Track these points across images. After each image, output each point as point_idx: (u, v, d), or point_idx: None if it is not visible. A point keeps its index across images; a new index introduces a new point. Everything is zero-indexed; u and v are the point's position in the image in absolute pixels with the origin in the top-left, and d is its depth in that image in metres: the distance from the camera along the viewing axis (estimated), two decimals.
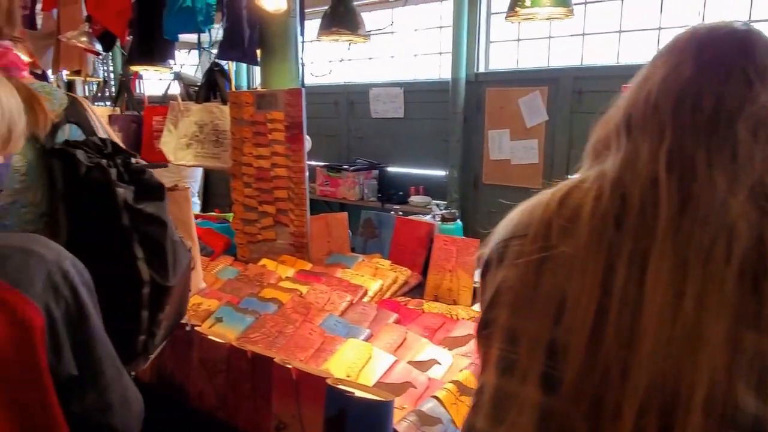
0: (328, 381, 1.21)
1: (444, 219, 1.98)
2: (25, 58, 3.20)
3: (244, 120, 2.23)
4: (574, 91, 4.64)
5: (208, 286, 2.01)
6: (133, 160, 1.12)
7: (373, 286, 1.87)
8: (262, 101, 2.17)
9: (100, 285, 0.87)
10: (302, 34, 2.17)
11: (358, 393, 1.15)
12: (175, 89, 3.85)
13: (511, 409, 0.58)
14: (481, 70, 5.21)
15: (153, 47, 2.59)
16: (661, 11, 4.25)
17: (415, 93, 5.64)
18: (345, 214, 2.27)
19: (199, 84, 7.99)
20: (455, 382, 1.27)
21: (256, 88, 2.82)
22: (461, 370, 1.34)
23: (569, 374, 0.55)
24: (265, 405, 1.36)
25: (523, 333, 0.60)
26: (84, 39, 2.66)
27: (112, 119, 3.03)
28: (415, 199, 5.45)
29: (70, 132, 1.10)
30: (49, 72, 3.34)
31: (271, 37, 2.20)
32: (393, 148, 5.84)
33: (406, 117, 5.73)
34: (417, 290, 2.00)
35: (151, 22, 2.57)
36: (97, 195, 1.00)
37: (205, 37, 3.26)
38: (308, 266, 2.10)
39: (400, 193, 5.53)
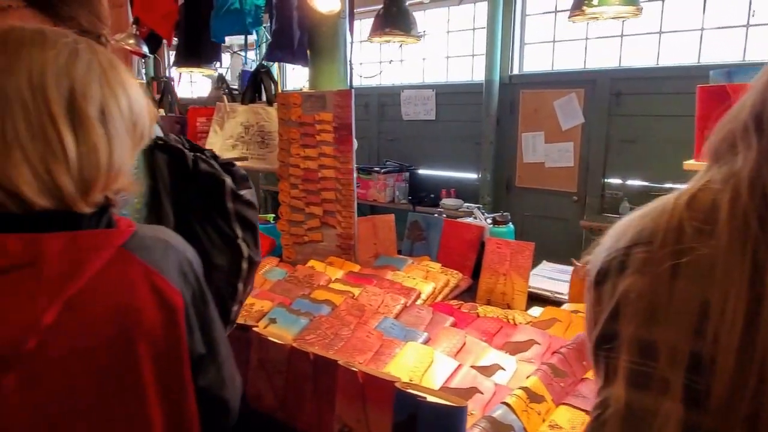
0: (397, 385, 1.19)
1: (495, 222, 1.95)
2: None
3: (292, 121, 2.23)
4: (611, 94, 4.56)
5: (257, 286, 2.01)
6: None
7: (426, 288, 1.85)
8: (311, 102, 2.17)
9: (207, 263, 0.98)
10: (351, 35, 2.16)
11: (431, 398, 1.13)
12: (204, 90, 3.88)
13: (650, 424, 0.55)
14: (515, 72, 5.16)
15: (200, 49, 2.61)
16: (704, 11, 4.15)
17: (447, 95, 5.61)
18: (392, 216, 2.26)
19: (229, 87, 7.99)
20: (524, 389, 1.24)
21: (302, 88, 2.84)
22: (528, 377, 1.31)
23: (718, 388, 0.52)
24: (328, 408, 1.35)
25: (660, 344, 0.57)
26: (131, 41, 2.69)
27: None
28: (447, 201, 5.41)
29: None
30: None
31: (320, 38, 2.20)
32: (424, 150, 5.81)
33: (438, 119, 5.70)
34: (468, 293, 1.98)
35: (197, 24, 2.59)
36: (205, 185, 1.13)
37: (234, 39, 3.29)
38: (357, 268, 2.09)
39: (431, 195, 5.50)
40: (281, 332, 1.65)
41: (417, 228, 2.24)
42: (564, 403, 1.26)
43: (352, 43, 2.17)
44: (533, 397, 1.24)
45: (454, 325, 1.65)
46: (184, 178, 1.14)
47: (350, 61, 2.17)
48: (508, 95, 5.12)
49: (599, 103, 4.63)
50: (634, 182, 4.57)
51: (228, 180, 1.16)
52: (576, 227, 4.72)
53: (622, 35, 4.59)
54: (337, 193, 2.19)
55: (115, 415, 0.79)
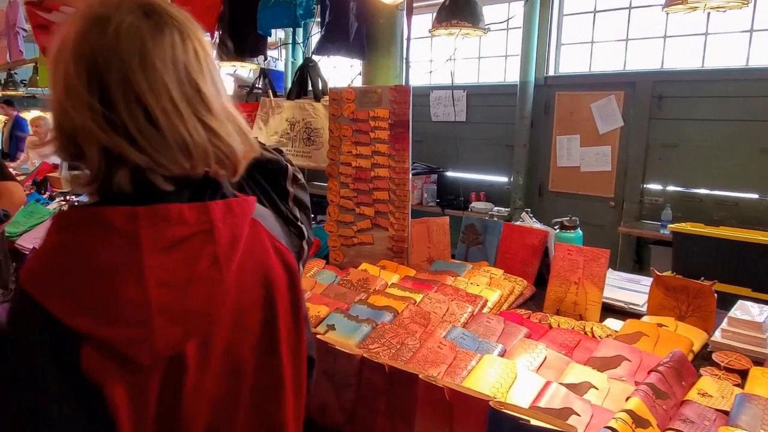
0: (492, 404, 1.08)
1: (564, 227, 1.84)
2: None
3: (344, 117, 2.13)
4: (653, 96, 4.42)
5: (308, 289, 1.91)
6: None
7: (492, 296, 1.74)
8: (365, 98, 2.07)
9: None
10: (409, 28, 2.06)
11: (535, 421, 1.02)
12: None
13: None
14: (551, 73, 5.04)
15: (244, 42, 2.52)
16: (753, 12, 4.00)
17: (479, 96, 5.50)
18: (446, 219, 2.15)
19: (251, 85, 7.95)
20: (628, 412, 1.13)
21: (349, 85, 2.74)
22: (628, 398, 1.19)
23: None
24: (405, 426, 1.25)
25: None
26: None
27: None
28: (477, 205, 5.30)
29: None
30: None
31: (377, 31, 2.10)
32: (453, 152, 5.70)
33: (469, 121, 5.59)
34: (532, 302, 1.86)
35: (242, 17, 2.51)
36: (269, 169, 1.23)
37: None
38: (412, 272, 1.99)
39: (461, 198, 5.38)
40: (342, 340, 1.55)
41: (473, 231, 2.13)
42: (670, 429, 1.15)
43: (409, 37, 2.07)
44: (638, 421, 1.12)
45: (528, 336, 1.53)
46: (256, 166, 1.15)
47: (407, 56, 2.07)
48: (543, 97, 5.00)
49: (640, 106, 4.49)
50: (676, 188, 4.42)
51: (291, 168, 1.28)
52: (613, 234, 4.58)
53: (665, 36, 4.45)
54: (390, 194, 2.09)
55: (265, 372, 0.84)
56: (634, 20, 4.58)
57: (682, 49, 4.38)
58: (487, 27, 2.05)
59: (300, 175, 1.29)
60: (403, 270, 2.01)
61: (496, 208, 5.28)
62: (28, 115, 7.12)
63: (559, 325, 1.62)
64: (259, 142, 1.20)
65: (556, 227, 1.90)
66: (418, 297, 1.74)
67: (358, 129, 2.11)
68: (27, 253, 2.87)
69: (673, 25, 4.37)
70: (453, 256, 2.17)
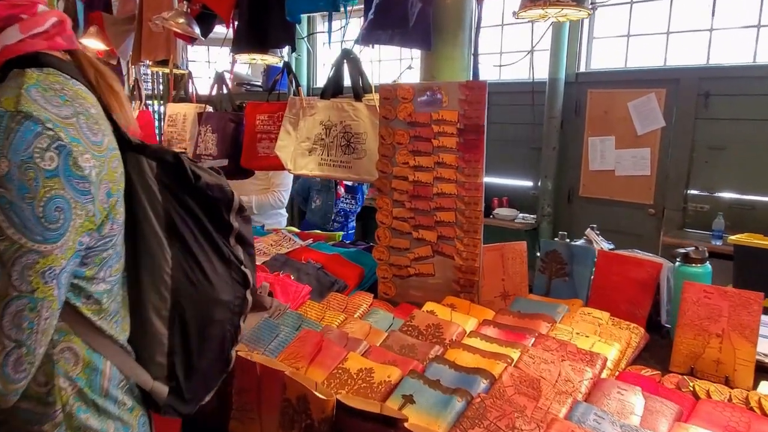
0: None
1: (688, 259, 1.46)
2: (100, 46, 2.64)
3: (399, 120, 1.73)
4: (699, 94, 4.06)
5: (363, 336, 1.52)
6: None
7: (610, 353, 1.35)
8: (428, 96, 1.67)
9: (209, 299, 1.08)
10: (481, 11, 1.67)
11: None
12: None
13: None
14: (582, 69, 4.66)
15: (267, 31, 2.12)
16: None
17: (501, 95, 5.11)
18: (523, 244, 1.76)
19: (250, 84, 7.45)
20: None
21: (395, 81, 2.31)
22: None
23: None
24: None
25: None
26: (181, 20, 2.20)
27: (203, 118, 2.57)
28: (501, 211, 4.92)
29: None
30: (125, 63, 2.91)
31: (441, 15, 1.71)
32: None
33: (490, 121, 5.19)
34: (648, 354, 1.48)
35: (264, 1, 2.10)
36: (207, 199, 1.04)
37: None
38: (490, 314, 1.60)
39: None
40: (426, 420, 1.16)
41: (557, 260, 1.74)
42: None
43: (479, 22, 1.68)
44: None
45: (680, 416, 1.15)
46: (181, 191, 1.02)
47: (476, 44, 1.67)
48: (573, 95, 4.63)
49: (683, 104, 4.13)
50: (724, 195, 4.07)
51: (236, 193, 1.08)
52: (653, 244, 4.21)
53: (711, 29, 4.09)
54: (458, 215, 1.69)
55: None
56: (677, 11, 4.21)
57: (731, 42, 4.02)
58: (593, 5, 1.66)
59: (245, 204, 1.12)
60: (478, 311, 1.62)
61: (521, 215, 4.91)
62: None
63: (708, 395, 1.24)
64: (191, 159, 1.05)
65: (677, 260, 1.52)
66: (514, 353, 1.35)
67: (417, 135, 1.71)
68: None
69: (720, 16, 4.01)
70: (531, 290, 1.78)
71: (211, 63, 7.78)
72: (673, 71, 4.19)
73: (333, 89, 2.05)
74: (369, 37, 1.78)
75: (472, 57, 1.72)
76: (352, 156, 1.98)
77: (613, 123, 4.45)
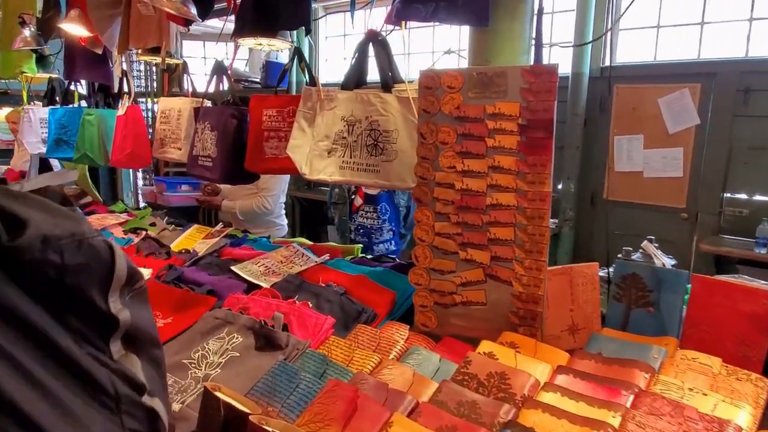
0: None
1: None
2: (83, 32, 2.19)
3: (444, 115, 1.41)
4: (738, 90, 3.75)
5: (406, 387, 1.19)
6: None
7: (739, 417, 1.03)
8: (482, 85, 1.35)
9: None
10: None
11: None
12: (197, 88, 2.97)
13: None
14: (608, 63, 4.35)
15: (277, 9, 1.78)
16: None
17: None
18: (595, 266, 1.44)
19: (248, 80, 7.11)
20: None
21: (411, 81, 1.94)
22: None
23: None
24: None
25: None
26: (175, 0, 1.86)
27: (201, 114, 2.24)
28: None
29: None
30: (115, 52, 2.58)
31: None
32: None
33: None
34: None
35: None
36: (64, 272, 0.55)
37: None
38: (564, 358, 1.27)
39: None
40: None
41: (638, 285, 1.42)
42: None
43: None
44: None
45: None
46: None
47: (540, 21, 1.35)
48: (598, 91, 4.31)
49: (720, 100, 3.82)
50: (765, 197, 3.76)
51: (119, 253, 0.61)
52: (685, 250, 3.91)
53: (751, 19, 3.78)
54: (518, 231, 1.37)
55: None
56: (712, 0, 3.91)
57: None
58: None
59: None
60: (546, 352, 1.30)
61: None
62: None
63: None
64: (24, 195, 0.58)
65: None
66: (613, 418, 1.03)
67: (468, 132, 1.39)
68: None
69: (761, 5, 3.70)
70: (604, 322, 1.46)
71: (207, 59, 7.44)
72: (710, 64, 3.88)
73: (356, 78, 1.72)
74: (405, 11, 1.45)
75: (533, 38, 1.40)
76: (381, 158, 1.65)
77: (641, 120, 4.14)
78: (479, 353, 1.28)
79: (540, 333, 1.39)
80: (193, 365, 1.39)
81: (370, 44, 1.69)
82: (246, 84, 7.05)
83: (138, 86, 7.84)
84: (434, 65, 1.71)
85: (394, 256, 2.06)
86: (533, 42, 1.38)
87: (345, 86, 1.71)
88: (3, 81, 4.00)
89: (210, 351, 1.43)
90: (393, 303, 1.62)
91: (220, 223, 2.46)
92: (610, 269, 1.67)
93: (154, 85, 7.69)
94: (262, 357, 1.36)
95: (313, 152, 1.72)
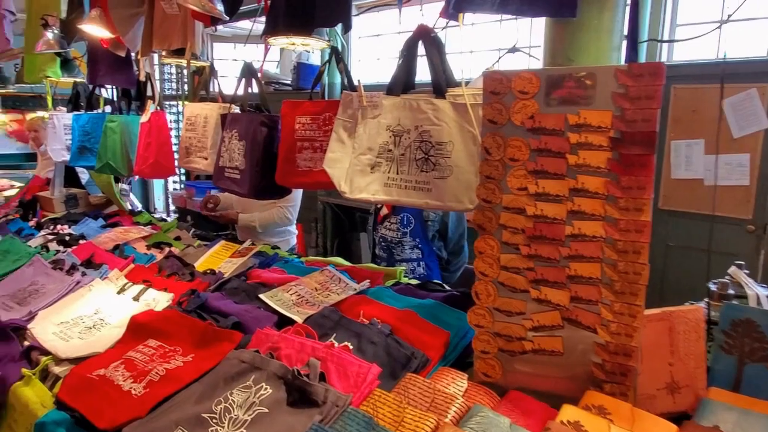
0: None
1: None
2: (104, 34, 1.96)
3: (514, 126, 1.17)
4: None
5: None
6: None
7: None
8: (564, 89, 1.10)
9: None
10: None
11: None
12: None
13: None
14: (664, 60, 4.02)
15: (313, 4, 1.57)
16: None
17: None
18: (700, 311, 1.18)
19: (279, 82, 6.89)
20: None
21: (466, 83, 1.72)
22: None
23: None
24: None
25: None
26: None
27: (228, 121, 2.04)
28: None
29: None
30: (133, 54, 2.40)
31: None
32: None
33: None
34: None
35: None
36: None
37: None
38: (668, 428, 1.02)
39: None
40: None
41: (753, 334, 1.15)
42: None
43: None
44: None
45: None
46: None
47: (635, 12, 1.10)
48: None
49: None
50: None
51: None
52: (751, 266, 3.55)
53: None
54: (608, 268, 1.12)
55: None
56: None
57: None
58: None
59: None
60: (648, 423, 1.04)
61: None
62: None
63: None
64: None
65: None
66: None
67: (544, 147, 1.14)
68: None
69: None
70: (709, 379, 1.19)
71: (238, 62, 7.31)
72: None
73: (403, 82, 1.49)
74: (466, 3, 1.21)
75: (626, 32, 1.14)
76: (433, 174, 1.42)
77: (702, 124, 3.80)
78: (562, 423, 1.03)
79: (633, 392, 1.14)
80: (214, 421, 1.18)
81: (420, 42, 1.46)
82: (276, 87, 6.90)
83: (169, 89, 7.79)
84: (494, 66, 1.47)
85: (439, 282, 1.81)
86: (627, 36, 1.12)
87: (391, 91, 1.48)
88: (28, 85, 3.91)
89: (234, 404, 1.22)
90: (447, 345, 1.38)
91: (249, 240, 2.26)
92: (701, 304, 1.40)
93: (185, 88, 7.62)
94: (296, 415, 1.15)
95: (354, 167, 1.49)
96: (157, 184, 9.13)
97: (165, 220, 3.07)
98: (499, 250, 1.22)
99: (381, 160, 1.48)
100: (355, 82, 1.50)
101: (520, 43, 1.44)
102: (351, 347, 1.33)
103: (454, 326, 1.41)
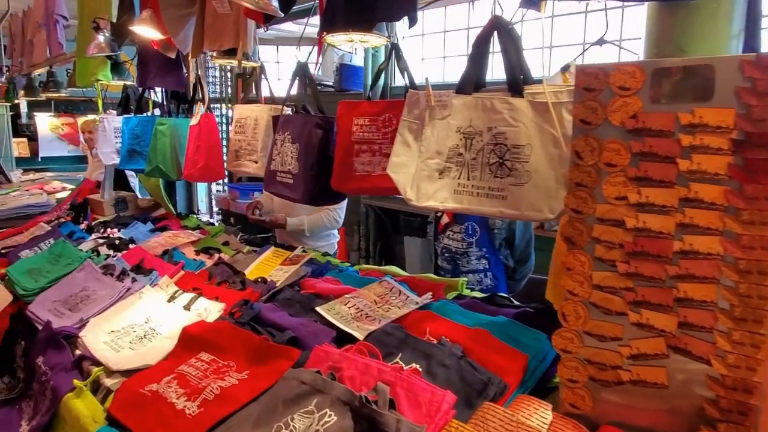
0: None
1: None
2: (155, 35, 1.84)
3: (613, 126, 1.03)
4: None
5: None
6: None
7: None
8: (674, 83, 0.96)
9: None
10: None
11: None
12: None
13: None
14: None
15: (371, 1, 1.46)
16: None
17: None
18: None
19: (322, 83, 6.85)
20: None
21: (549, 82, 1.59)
22: None
23: None
24: None
25: None
26: None
27: (281, 123, 1.96)
28: None
29: None
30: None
31: None
32: None
33: None
34: None
35: None
36: None
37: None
38: None
39: None
40: None
41: None
42: None
43: None
44: None
45: None
46: None
47: None
48: None
49: None
50: None
51: None
52: None
53: None
54: (726, 291, 0.97)
55: None
56: None
57: None
58: None
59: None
60: None
61: None
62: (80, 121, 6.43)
63: None
64: None
65: None
66: None
67: (649, 151, 1.00)
68: (40, 326, 1.93)
69: None
70: None
71: (281, 64, 7.32)
72: None
73: (475, 80, 1.37)
74: None
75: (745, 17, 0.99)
76: (508, 180, 1.29)
77: None
78: None
79: None
80: None
81: (495, 34, 1.33)
82: (319, 88, 6.87)
83: (213, 92, 7.86)
84: (575, 61, 1.33)
85: (505, 295, 1.68)
86: (749, 22, 0.97)
87: (461, 89, 1.36)
88: (80, 89, 3.96)
89: (296, 430, 1.12)
90: (525, 369, 1.25)
91: (300, 248, 2.17)
92: None
93: (229, 91, 7.67)
94: None
95: (421, 172, 1.38)
96: (201, 186, 9.25)
97: (212, 224, 3.03)
98: (592, 266, 1.08)
99: (450, 164, 1.36)
100: (422, 80, 1.38)
101: (607, 36, 1.29)
102: (420, 369, 1.21)
103: (532, 348, 1.28)
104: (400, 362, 1.27)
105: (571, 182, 1.09)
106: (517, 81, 1.30)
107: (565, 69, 1.42)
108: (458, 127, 1.35)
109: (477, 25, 5.23)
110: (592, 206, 1.07)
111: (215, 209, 9.08)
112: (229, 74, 7.58)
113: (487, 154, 1.32)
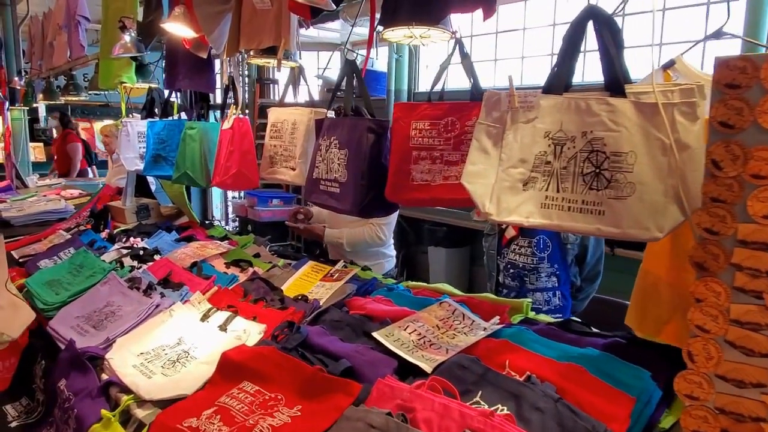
0: None
1: None
2: (188, 33, 1.61)
3: (763, 131, 0.85)
4: None
5: None
6: None
7: None
8: None
9: None
10: None
11: None
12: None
13: None
14: None
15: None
16: None
17: None
18: None
19: (342, 89, 6.73)
20: None
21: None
22: None
23: None
24: None
25: None
26: None
27: (325, 127, 1.80)
28: None
29: None
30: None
31: None
32: None
33: None
34: None
35: None
36: None
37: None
38: None
39: None
40: None
41: None
42: None
43: None
44: None
45: None
46: None
47: None
48: None
49: None
50: None
51: None
52: None
53: None
54: None
55: None
56: None
57: None
58: None
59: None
60: None
61: None
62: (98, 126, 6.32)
63: None
64: None
65: None
66: None
67: None
68: (62, 344, 1.78)
69: None
70: None
71: (320, 69, 7.20)
72: None
73: (562, 78, 1.20)
74: None
75: None
76: (607, 193, 1.12)
77: None
78: None
79: None
80: None
81: (591, 23, 1.17)
82: (341, 93, 6.74)
83: (228, 98, 7.77)
84: (683, 55, 1.16)
85: (581, 321, 1.50)
86: None
87: (550, 89, 1.19)
88: (102, 93, 3.84)
89: None
90: (630, 416, 1.07)
91: (341, 262, 2.00)
92: None
93: (246, 96, 7.56)
94: None
95: (502, 183, 1.20)
96: (216, 192, 9.12)
97: (239, 233, 2.88)
98: (729, 298, 0.91)
99: (536, 174, 1.18)
100: (509, 80, 1.22)
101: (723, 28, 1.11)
102: (511, 414, 1.04)
103: (635, 388, 1.10)
104: (483, 403, 1.09)
105: (705, 197, 0.91)
106: (618, 79, 1.13)
107: (668, 66, 1.25)
108: (546, 131, 1.18)
109: (531, 26, 5.12)
110: (732, 226, 0.89)
111: (231, 216, 8.95)
112: (246, 79, 7.47)
113: (581, 163, 1.15)
